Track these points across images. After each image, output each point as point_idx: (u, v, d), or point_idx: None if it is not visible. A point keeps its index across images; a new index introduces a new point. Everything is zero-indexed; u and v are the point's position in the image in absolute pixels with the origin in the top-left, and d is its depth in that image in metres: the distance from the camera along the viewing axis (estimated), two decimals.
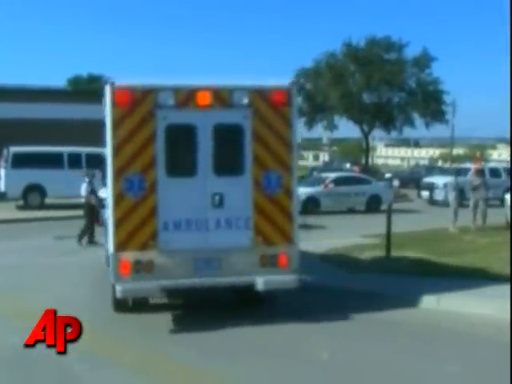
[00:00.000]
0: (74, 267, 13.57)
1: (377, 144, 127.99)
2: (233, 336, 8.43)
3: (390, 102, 53.14)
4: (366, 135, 55.37)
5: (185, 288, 9.01)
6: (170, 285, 8.78)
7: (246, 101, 8.87)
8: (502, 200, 22.41)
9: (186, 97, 8.82)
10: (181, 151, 9.01)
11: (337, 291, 10.89)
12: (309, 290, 10.26)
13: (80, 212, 17.87)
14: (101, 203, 13.45)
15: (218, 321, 8.93)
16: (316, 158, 77.26)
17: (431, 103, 51.69)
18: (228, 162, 9.04)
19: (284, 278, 8.90)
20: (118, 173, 8.67)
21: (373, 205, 27.42)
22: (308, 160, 68.40)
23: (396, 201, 31.80)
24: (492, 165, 42.32)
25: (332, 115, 54.11)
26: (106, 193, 9.17)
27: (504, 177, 32.87)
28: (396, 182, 38.55)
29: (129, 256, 8.62)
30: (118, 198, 8.69)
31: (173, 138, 8.82)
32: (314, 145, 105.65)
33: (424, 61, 51.50)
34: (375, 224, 18.15)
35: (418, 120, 53.32)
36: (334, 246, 15.74)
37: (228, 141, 9.01)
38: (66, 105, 35.14)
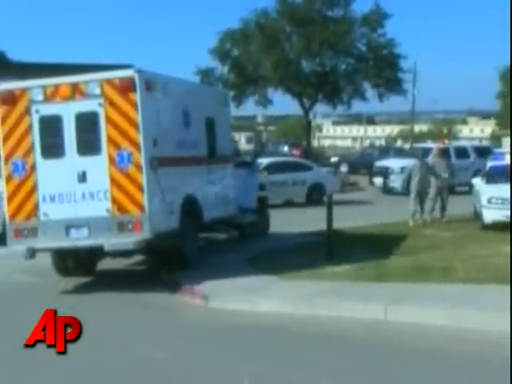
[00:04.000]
0: None
1: (323, 122, 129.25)
2: None
3: (335, 69, 53.33)
4: (306, 111, 55.41)
5: (60, 249, 13.17)
6: (49, 247, 12.97)
7: (98, 91, 12.54)
8: (470, 186, 22.75)
9: (52, 92, 12.83)
10: (52, 137, 12.91)
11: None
12: None
13: None
14: None
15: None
16: (250, 140, 78.18)
17: (385, 70, 52.09)
18: (88, 143, 12.74)
19: (126, 241, 12.30)
20: (6, 158, 13.02)
21: (314, 196, 27.58)
22: (240, 143, 68.91)
23: (343, 190, 32.19)
24: (459, 143, 43.08)
25: (265, 87, 54.06)
26: None
27: (473, 158, 33.58)
28: (344, 168, 38.96)
29: (18, 224, 12.92)
30: (8, 179, 13.05)
31: (45, 127, 12.88)
32: (247, 125, 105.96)
33: (376, 19, 51.79)
34: (316, 219, 18.27)
35: (370, 91, 53.65)
36: (265, 248, 15.78)
37: (87, 126, 12.73)
38: None
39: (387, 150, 50.44)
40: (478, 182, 20.36)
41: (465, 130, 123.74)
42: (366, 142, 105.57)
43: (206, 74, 53.56)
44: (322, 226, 14.93)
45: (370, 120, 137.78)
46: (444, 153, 24.46)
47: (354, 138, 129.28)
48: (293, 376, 7.86)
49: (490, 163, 21.03)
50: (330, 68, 52.88)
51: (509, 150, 21.82)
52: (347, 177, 37.61)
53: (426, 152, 31.41)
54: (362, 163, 44.55)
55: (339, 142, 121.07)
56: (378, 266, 13.14)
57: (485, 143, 64.71)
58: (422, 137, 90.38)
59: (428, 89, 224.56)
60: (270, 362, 8.43)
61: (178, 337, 9.80)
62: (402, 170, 32.48)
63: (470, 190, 23.82)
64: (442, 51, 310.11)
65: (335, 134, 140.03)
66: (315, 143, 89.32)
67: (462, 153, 33.69)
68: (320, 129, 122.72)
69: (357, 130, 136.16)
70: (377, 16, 51.57)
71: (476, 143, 48.57)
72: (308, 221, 20.29)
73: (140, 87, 12.44)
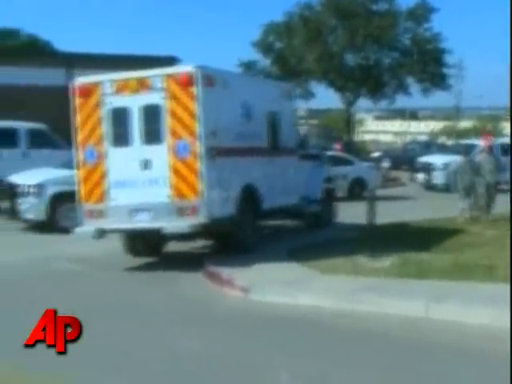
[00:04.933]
0: None
1: (365, 116, 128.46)
2: None
3: (379, 64, 53.05)
4: (349, 105, 55.18)
5: (124, 230, 14.46)
6: (115, 228, 14.16)
7: (161, 85, 13.64)
8: None
9: (121, 86, 14.03)
10: (120, 127, 14.04)
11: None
12: None
13: None
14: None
15: None
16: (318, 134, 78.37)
17: (430, 65, 51.61)
18: (152, 133, 13.82)
19: (183, 224, 13.38)
20: (80, 146, 14.34)
21: (356, 190, 27.49)
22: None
23: (385, 185, 32.02)
24: (503, 140, 42.43)
25: (308, 81, 53.92)
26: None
27: None
28: (386, 163, 38.74)
29: (89, 207, 14.22)
30: (81, 165, 14.37)
31: (114, 118, 14.08)
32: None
33: (421, 13, 51.35)
34: (357, 214, 18.19)
35: (414, 86, 53.15)
36: (308, 241, 15.76)
37: (151, 117, 13.78)
38: None
39: (430, 146, 49.99)
40: None
41: (509, 127, 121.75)
42: (409, 138, 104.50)
43: (249, 67, 53.59)
44: (364, 221, 14.88)
45: (413, 115, 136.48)
46: (491, 149, 24.10)
47: (396, 133, 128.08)
48: (330, 371, 7.82)
49: None
50: (373, 62, 52.57)
51: None
52: (389, 172, 37.43)
53: (470, 148, 31.05)
54: (405, 159, 44.13)
55: (381, 137, 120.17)
56: (420, 263, 13.01)
57: None
58: (465, 133, 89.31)
59: (473, 84, 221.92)
60: (308, 356, 8.41)
61: (217, 328, 9.81)
62: (445, 166, 32.21)
63: None
64: (488, 46, 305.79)
65: (377, 129, 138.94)
66: (356, 137, 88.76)
67: (507, 150, 33.18)
68: (362, 123, 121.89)
69: (399, 125, 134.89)
70: (423, 10, 51.09)
71: None
72: (349, 215, 20.23)
73: (200, 82, 13.44)
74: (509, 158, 31.77)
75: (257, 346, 8.91)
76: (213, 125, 13.76)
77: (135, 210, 13.82)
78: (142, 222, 13.83)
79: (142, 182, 13.80)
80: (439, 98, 71.11)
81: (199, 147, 13.42)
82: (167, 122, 13.61)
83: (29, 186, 19.50)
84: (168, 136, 13.62)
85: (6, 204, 20.33)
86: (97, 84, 14.18)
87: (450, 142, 67.31)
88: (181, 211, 13.54)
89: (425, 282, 11.61)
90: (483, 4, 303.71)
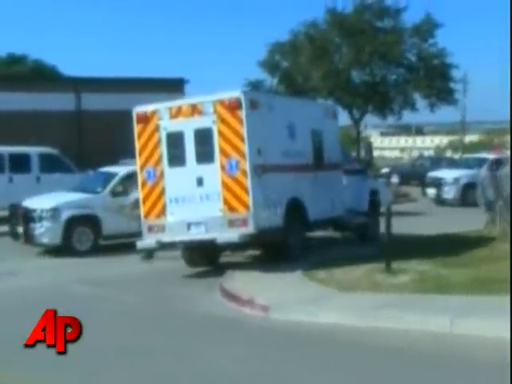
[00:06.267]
0: None
1: (371, 133, 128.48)
2: None
3: (386, 80, 53.04)
4: (356, 122, 55.19)
5: (182, 242, 15.64)
6: (174, 240, 15.47)
7: (212, 110, 15.03)
8: None
9: (176, 112, 15.52)
10: (176, 149, 15.50)
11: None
12: None
13: None
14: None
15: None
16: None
17: (436, 80, 51.55)
18: (204, 154, 15.18)
19: (234, 235, 14.67)
20: (141, 167, 15.86)
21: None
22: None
23: (397, 201, 31.94)
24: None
25: (314, 98, 53.96)
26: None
27: None
28: (395, 178, 38.69)
29: (150, 222, 15.66)
30: (142, 184, 15.86)
31: (170, 141, 15.56)
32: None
33: (427, 28, 51.31)
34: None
35: (421, 102, 53.08)
36: (323, 258, 15.73)
37: (203, 139, 15.18)
38: None
39: (439, 161, 49.91)
40: None
41: None
42: (415, 153, 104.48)
43: (256, 86, 53.70)
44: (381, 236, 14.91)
45: (419, 130, 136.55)
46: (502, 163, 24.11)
47: (402, 149, 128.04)
48: None
49: None
50: (380, 78, 52.56)
51: None
52: (398, 188, 37.36)
53: (481, 162, 31.07)
54: (413, 174, 44.11)
55: (387, 153, 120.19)
56: (438, 278, 13.03)
57: None
58: (472, 147, 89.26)
59: (478, 98, 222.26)
60: (331, 373, 8.45)
61: (242, 346, 9.84)
62: (456, 180, 32.22)
63: None
64: (491, 60, 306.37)
65: (382, 145, 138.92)
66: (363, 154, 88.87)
67: None
68: (368, 140, 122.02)
69: (405, 141, 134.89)
70: (428, 26, 51.00)
71: None
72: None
73: (245, 105, 14.81)
74: None
75: (281, 364, 8.92)
76: (258, 144, 15.05)
77: (191, 224, 15.15)
78: (198, 234, 15.13)
79: (197, 198, 15.19)
80: (444, 113, 71.64)
81: (246, 165, 14.75)
82: (218, 143, 14.95)
83: (43, 211, 19.53)
84: (219, 155, 14.96)
85: (20, 229, 20.32)
86: (154, 111, 15.68)
87: (456, 157, 67.28)
88: (232, 223, 14.81)
89: (445, 297, 11.61)
90: (489, 17, 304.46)
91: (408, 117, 58.57)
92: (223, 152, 14.91)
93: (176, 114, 15.52)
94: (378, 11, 51.43)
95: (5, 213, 22.37)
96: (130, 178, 19.63)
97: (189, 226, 15.20)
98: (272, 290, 12.97)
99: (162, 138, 15.57)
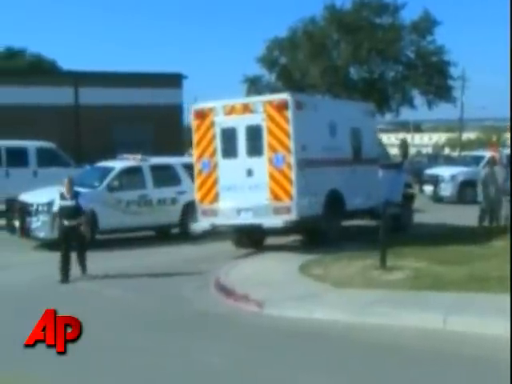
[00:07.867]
0: None
1: None
2: None
3: (384, 77, 53.12)
4: None
5: (232, 226, 17.62)
6: (225, 224, 17.53)
7: (262, 109, 16.90)
8: None
9: (230, 110, 17.41)
10: (229, 143, 17.39)
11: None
12: None
13: None
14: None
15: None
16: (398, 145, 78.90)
17: (434, 78, 51.62)
18: (254, 148, 17.06)
19: (278, 221, 16.48)
20: (198, 159, 17.88)
21: None
22: None
23: None
24: (508, 151, 42.42)
25: (312, 95, 53.91)
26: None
27: None
28: None
29: (204, 207, 17.68)
30: (198, 173, 17.89)
31: (224, 136, 17.47)
32: None
33: (425, 26, 51.35)
34: (366, 227, 18.15)
35: (419, 99, 53.15)
36: (320, 252, 15.74)
37: (254, 135, 17.02)
38: None
39: (436, 158, 49.88)
40: None
41: None
42: (413, 151, 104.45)
43: (253, 82, 53.72)
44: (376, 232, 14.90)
45: (417, 127, 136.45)
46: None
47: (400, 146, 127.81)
48: None
49: None
50: (378, 75, 52.62)
51: None
52: None
53: (478, 160, 31.08)
54: (411, 171, 43.99)
55: None
56: (433, 275, 13.02)
57: None
58: (470, 145, 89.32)
59: (476, 96, 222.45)
60: (326, 370, 8.45)
61: (235, 343, 9.83)
62: (453, 178, 32.24)
63: None
64: (490, 57, 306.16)
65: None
66: None
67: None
68: None
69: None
70: (426, 23, 51.10)
71: None
72: (362, 227, 20.38)
73: (292, 106, 16.61)
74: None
75: (275, 360, 8.93)
76: (302, 141, 16.79)
77: (241, 210, 17.07)
78: (246, 219, 17.01)
79: (246, 187, 17.02)
80: (441, 110, 71.36)
81: (291, 159, 16.53)
82: (266, 139, 16.80)
83: (40, 205, 19.45)
84: (267, 150, 16.82)
85: (16, 222, 20.25)
86: (210, 109, 17.62)
87: (454, 154, 67.25)
88: (277, 210, 16.60)
89: (439, 294, 11.62)
90: (487, 14, 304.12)
91: (406, 114, 58.68)
92: (271, 147, 16.71)
93: (230, 111, 17.40)
94: (377, 8, 51.55)
95: (1, 207, 22.30)
96: (126, 173, 20.19)
97: (239, 211, 17.10)
98: (267, 286, 12.96)
99: (217, 132, 17.49)
